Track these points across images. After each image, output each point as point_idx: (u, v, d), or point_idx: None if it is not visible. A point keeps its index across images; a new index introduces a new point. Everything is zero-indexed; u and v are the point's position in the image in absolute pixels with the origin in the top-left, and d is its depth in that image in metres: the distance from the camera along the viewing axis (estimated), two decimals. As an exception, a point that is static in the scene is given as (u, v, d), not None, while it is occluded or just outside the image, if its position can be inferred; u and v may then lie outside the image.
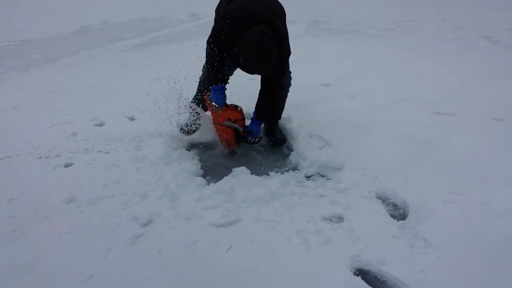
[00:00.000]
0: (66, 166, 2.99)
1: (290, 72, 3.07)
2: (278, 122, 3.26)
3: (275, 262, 2.03)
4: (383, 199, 2.51)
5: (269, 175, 2.76)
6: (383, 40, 6.37)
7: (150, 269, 2.01)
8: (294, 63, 5.03)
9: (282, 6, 2.90)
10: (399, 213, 2.40)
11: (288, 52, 2.80)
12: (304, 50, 5.83)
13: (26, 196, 2.62)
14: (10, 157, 3.13)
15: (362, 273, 1.97)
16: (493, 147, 2.98)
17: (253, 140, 3.06)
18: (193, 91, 3.42)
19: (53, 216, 2.42)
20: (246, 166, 2.81)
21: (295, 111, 3.59)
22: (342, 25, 7.50)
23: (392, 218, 2.32)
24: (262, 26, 2.50)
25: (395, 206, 2.46)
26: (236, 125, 2.94)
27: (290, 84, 3.11)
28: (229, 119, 2.92)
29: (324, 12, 8.89)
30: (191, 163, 2.87)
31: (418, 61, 5.13)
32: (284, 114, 3.43)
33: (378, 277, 1.94)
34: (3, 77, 5.25)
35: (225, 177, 2.69)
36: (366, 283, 1.89)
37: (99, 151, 3.17)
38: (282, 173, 2.77)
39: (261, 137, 3.11)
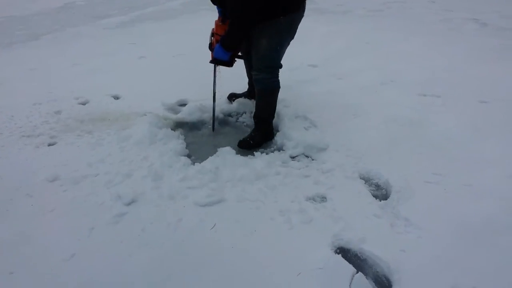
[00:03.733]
0: (50, 144, 2.96)
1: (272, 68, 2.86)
2: (268, 116, 3.00)
3: (258, 241, 2.04)
4: (366, 180, 2.53)
5: (254, 155, 2.76)
6: (372, 21, 6.33)
7: (133, 247, 2.01)
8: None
9: None
10: (381, 193, 2.43)
11: None
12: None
13: (8, 174, 2.60)
14: (-8, 135, 3.08)
15: (343, 251, 2.00)
16: (478, 129, 3.01)
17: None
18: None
19: (36, 195, 2.41)
20: (231, 146, 2.80)
21: (282, 92, 3.53)
22: (332, 5, 7.44)
23: (374, 198, 2.35)
24: None
25: (377, 186, 2.48)
26: (212, 38, 2.90)
27: (262, 80, 2.87)
28: (213, 30, 2.89)
29: (313, -9, 8.79)
30: (176, 143, 2.85)
31: (406, 42, 5.12)
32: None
33: (359, 255, 1.97)
34: (-15, 54, 5.13)
35: (210, 157, 2.69)
36: (347, 261, 1.92)
37: (83, 130, 3.13)
38: (267, 154, 2.77)
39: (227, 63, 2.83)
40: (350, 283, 1.77)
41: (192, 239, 2.06)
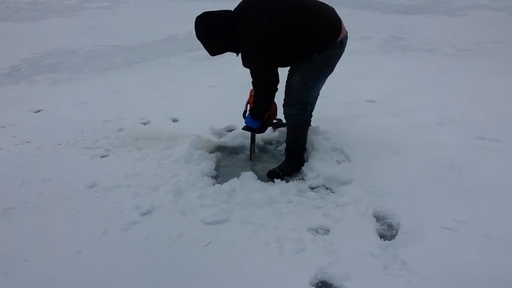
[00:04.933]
0: (102, 156, 3.32)
1: (297, 104, 2.84)
2: (297, 150, 3.02)
3: (245, 263, 2.09)
4: (379, 218, 2.43)
5: (274, 182, 2.80)
6: (456, 60, 5.99)
7: (131, 253, 2.19)
8: (348, 78, 5.04)
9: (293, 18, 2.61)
10: (390, 233, 2.31)
11: (250, 58, 2.65)
12: (366, 65, 5.73)
13: (59, 178, 2.97)
14: (60, 144, 3.55)
15: (324, 285, 1.95)
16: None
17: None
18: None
19: (73, 198, 2.73)
20: (254, 171, 2.89)
21: (328, 124, 3.57)
22: (419, 43, 7.19)
23: (378, 237, 2.25)
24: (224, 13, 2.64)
25: (390, 226, 2.37)
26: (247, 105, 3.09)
27: (291, 116, 2.88)
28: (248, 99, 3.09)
29: (406, 29, 8.56)
30: (207, 164, 3.02)
31: (484, 83, 4.76)
32: (313, 124, 3.45)
33: (339, 291, 1.91)
34: (84, 76, 5.90)
35: (230, 180, 2.79)
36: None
37: (134, 146, 3.46)
38: (286, 182, 2.80)
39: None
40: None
41: (185, 253, 2.18)
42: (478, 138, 3.37)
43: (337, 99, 4.34)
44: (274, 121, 3.26)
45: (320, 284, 1.95)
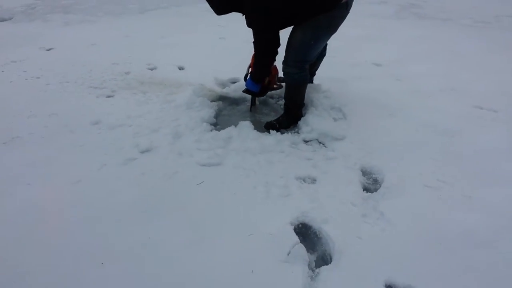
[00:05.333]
0: (108, 96, 3.43)
1: (294, 63, 2.85)
2: (295, 105, 3.08)
3: (232, 201, 2.23)
4: (366, 173, 2.54)
5: (269, 133, 2.90)
6: (472, 31, 5.91)
7: (125, 185, 2.33)
8: (359, 40, 5.04)
9: None
10: (374, 187, 2.42)
11: (252, 19, 2.64)
12: (378, 30, 5.68)
13: (64, 113, 3.11)
14: (68, 82, 3.67)
15: (304, 227, 2.08)
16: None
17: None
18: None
19: (77, 132, 2.87)
20: (257, 122, 3.01)
21: (330, 83, 3.62)
22: (436, 12, 7.06)
23: (362, 189, 2.36)
24: None
25: (375, 181, 2.48)
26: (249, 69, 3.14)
27: (290, 74, 2.90)
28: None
29: (426, -4, 8.42)
30: (207, 112, 3.11)
31: (494, 55, 4.73)
32: (316, 82, 3.52)
33: (317, 233, 2.05)
34: (97, 19, 5.96)
35: (227, 127, 2.89)
36: (302, 236, 2.02)
37: (139, 90, 3.56)
38: (281, 133, 2.90)
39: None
40: (289, 252, 1.87)
41: (177, 189, 2.32)
42: (476, 107, 3.41)
43: (344, 60, 4.37)
44: (275, 86, 3.31)
45: (300, 226, 2.09)
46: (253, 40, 2.71)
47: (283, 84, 3.21)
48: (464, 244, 1.98)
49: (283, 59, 2.88)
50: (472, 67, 4.31)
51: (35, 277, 1.75)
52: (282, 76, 3.20)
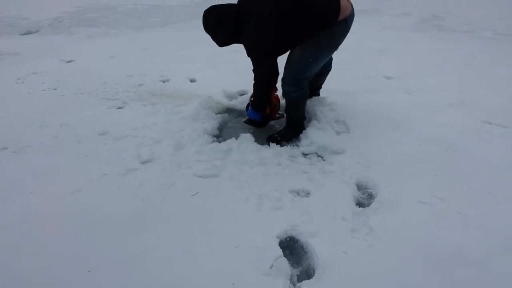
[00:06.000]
0: (118, 108, 3.55)
1: (295, 83, 2.88)
2: (296, 120, 3.11)
3: (223, 213, 2.26)
4: (361, 187, 2.53)
5: (269, 145, 2.93)
6: (492, 44, 5.79)
7: (124, 195, 2.41)
8: (373, 53, 5.02)
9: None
10: (368, 202, 2.41)
11: (252, 47, 2.73)
12: (395, 42, 5.66)
13: (75, 124, 3.24)
14: (83, 93, 3.81)
15: (292, 240, 2.10)
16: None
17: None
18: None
19: (84, 142, 2.98)
20: (259, 134, 3.05)
21: (338, 96, 3.63)
22: (457, 24, 6.95)
23: (355, 204, 2.36)
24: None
25: (370, 195, 2.47)
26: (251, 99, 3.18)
27: (288, 92, 2.93)
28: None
29: (450, 8, 8.27)
30: (211, 123, 3.17)
31: (507, 69, 4.62)
32: (323, 94, 3.54)
33: (304, 247, 2.06)
34: (119, 32, 6.17)
35: (228, 140, 2.94)
36: (289, 249, 2.04)
37: (149, 101, 3.66)
38: (281, 146, 2.92)
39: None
40: (272, 265, 1.89)
41: (172, 199, 2.38)
42: (484, 122, 3.34)
43: (355, 73, 4.38)
44: (277, 115, 3.33)
45: (288, 239, 2.11)
46: (252, 68, 2.78)
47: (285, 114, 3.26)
48: (453, 262, 1.95)
49: (281, 77, 2.91)
50: (485, 81, 4.22)
51: (29, 282, 1.83)
52: (283, 113, 3.29)
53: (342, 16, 2.61)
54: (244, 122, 3.20)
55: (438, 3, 8.82)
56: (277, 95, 3.19)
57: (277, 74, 2.81)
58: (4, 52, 5.20)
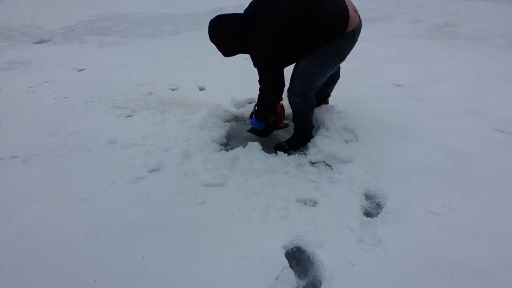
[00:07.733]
0: (128, 116, 3.57)
1: (300, 93, 2.86)
2: (304, 129, 3.10)
3: (229, 222, 2.25)
4: (369, 197, 2.51)
5: (277, 154, 2.92)
6: (505, 51, 5.72)
7: (130, 203, 2.41)
8: (383, 60, 4.99)
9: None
10: (376, 212, 2.38)
11: (259, 56, 2.70)
12: (406, 49, 5.63)
13: (84, 132, 3.26)
14: (93, 102, 3.84)
15: (298, 251, 2.08)
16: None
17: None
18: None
19: (93, 150, 3.00)
20: (267, 143, 3.04)
21: (347, 104, 3.62)
22: (470, 31, 6.89)
23: (362, 214, 2.33)
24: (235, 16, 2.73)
25: (378, 205, 2.44)
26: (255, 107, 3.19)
27: (295, 104, 2.93)
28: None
29: (463, 15, 8.22)
30: (218, 132, 3.18)
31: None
32: (332, 102, 3.53)
33: (310, 258, 2.03)
34: (131, 41, 6.24)
35: (235, 148, 2.94)
36: (295, 260, 2.02)
37: (158, 110, 3.68)
38: (288, 155, 2.91)
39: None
40: (278, 276, 1.87)
41: (178, 208, 2.37)
42: (496, 130, 3.30)
43: (364, 80, 4.35)
44: (282, 124, 3.34)
45: (294, 249, 2.09)
46: (258, 79, 2.78)
47: (290, 124, 3.25)
48: (462, 273, 1.91)
49: (288, 87, 2.89)
50: (496, 89, 4.17)
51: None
52: (287, 123, 3.29)
53: (350, 27, 2.59)
54: (248, 131, 3.19)
55: (451, 10, 8.77)
56: (282, 104, 3.18)
57: (283, 85, 2.77)
58: (17, 60, 5.29)
